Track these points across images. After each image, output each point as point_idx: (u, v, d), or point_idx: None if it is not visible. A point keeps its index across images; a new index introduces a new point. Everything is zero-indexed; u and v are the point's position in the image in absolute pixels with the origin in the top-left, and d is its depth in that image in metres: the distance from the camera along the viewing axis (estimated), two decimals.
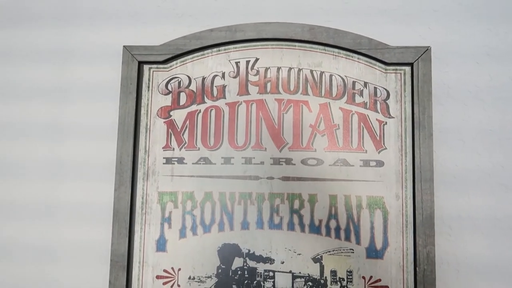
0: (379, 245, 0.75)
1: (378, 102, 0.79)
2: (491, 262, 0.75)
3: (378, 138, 0.78)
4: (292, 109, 0.80)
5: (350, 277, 0.75)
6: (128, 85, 0.82)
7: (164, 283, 0.78)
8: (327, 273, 0.75)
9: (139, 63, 0.82)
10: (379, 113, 0.78)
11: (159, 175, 0.80)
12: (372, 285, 0.75)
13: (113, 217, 0.79)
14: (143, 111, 0.82)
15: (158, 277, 0.78)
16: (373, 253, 0.75)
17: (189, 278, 0.77)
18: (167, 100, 0.82)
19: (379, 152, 0.78)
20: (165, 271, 0.78)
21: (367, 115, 0.79)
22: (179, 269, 0.78)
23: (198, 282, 0.77)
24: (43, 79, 0.87)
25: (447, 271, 0.76)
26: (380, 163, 0.77)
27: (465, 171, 0.78)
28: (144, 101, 0.82)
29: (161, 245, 0.79)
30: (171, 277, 0.78)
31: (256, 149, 0.79)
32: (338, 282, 0.75)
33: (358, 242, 0.76)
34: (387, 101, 0.79)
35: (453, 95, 0.80)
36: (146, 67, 0.83)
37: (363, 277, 0.75)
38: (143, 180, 0.80)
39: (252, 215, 0.78)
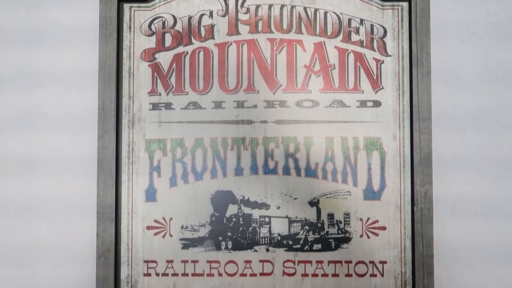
0: (376, 186, 0.74)
1: (375, 40, 0.75)
2: (487, 201, 0.75)
3: (375, 77, 0.75)
4: (286, 49, 0.76)
5: (348, 219, 0.74)
6: (108, 26, 0.76)
7: (156, 234, 0.74)
8: (324, 217, 0.74)
9: (118, 1, 0.76)
10: (376, 51, 0.75)
11: (145, 122, 0.75)
12: (370, 226, 0.74)
13: (98, 167, 0.74)
14: (125, 54, 0.76)
15: (148, 227, 0.74)
16: (370, 194, 0.74)
17: (182, 227, 0.74)
18: (151, 42, 0.76)
19: (376, 92, 0.75)
20: (156, 221, 0.75)
21: (364, 54, 0.75)
22: (171, 219, 0.74)
23: (191, 231, 0.74)
24: (11, 23, 0.79)
25: (443, 210, 0.75)
26: (377, 103, 0.75)
27: (462, 110, 0.76)
28: (126, 43, 0.76)
29: (150, 194, 0.75)
30: (162, 227, 0.74)
31: (249, 91, 0.75)
32: (336, 225, 0.74)
33: (355, 184, 0.74)
34: (384, 39, 0.75)
35: (451, 32, 0.77)
36: (126, 6, 0.77)
37: (361, 219, 0.74)
38: (128, 128, 0.75)
39: (246, 161, 0.75)
